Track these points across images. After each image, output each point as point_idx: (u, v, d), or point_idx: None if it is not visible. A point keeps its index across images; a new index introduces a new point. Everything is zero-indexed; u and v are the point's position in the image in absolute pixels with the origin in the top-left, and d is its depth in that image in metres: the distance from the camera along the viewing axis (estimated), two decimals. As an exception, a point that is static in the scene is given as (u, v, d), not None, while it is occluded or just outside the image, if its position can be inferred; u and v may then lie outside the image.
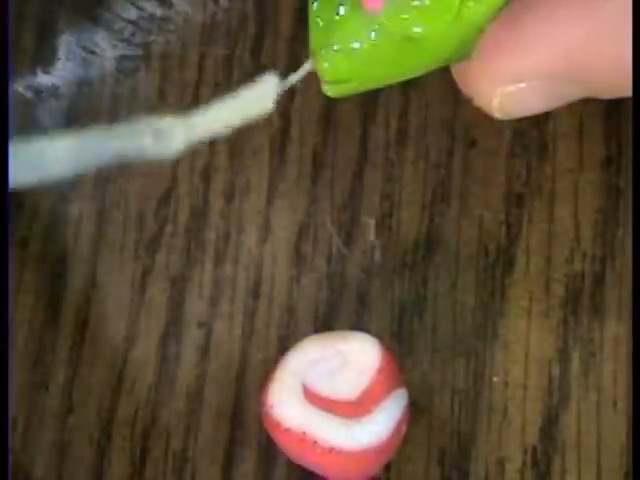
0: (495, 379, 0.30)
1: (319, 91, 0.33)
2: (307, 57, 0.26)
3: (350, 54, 0.25)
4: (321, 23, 0.25)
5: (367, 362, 0.28)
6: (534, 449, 0.29)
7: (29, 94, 0.34)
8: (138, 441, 0.30)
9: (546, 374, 0.30)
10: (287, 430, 0.27)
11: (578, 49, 0.23)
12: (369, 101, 0.32)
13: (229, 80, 0.33)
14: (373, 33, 0.25)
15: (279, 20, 0.34)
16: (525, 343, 0.30)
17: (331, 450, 0.27)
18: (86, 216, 0.32)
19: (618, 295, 0.30)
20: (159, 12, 0.34)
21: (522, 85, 0.24)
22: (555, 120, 0.31)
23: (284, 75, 0.25)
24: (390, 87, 0.32)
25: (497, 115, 0.25)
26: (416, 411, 0.29)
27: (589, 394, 0.29)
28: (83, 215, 0.32)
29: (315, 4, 0.26)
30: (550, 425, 0.29)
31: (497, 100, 0.25)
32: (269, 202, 0.32)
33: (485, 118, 0.27)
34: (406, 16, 0.24)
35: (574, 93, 0.25)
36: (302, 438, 0.27)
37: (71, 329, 0.31)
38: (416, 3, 0.24)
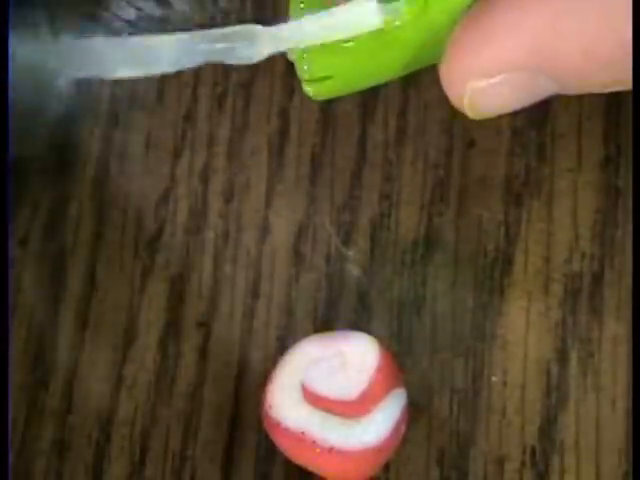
0: (494, 379, 0.30)
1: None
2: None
3: (325, 48, 0.25)
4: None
5: (366, 362, 0.28)
6: (533, 449, 0.29)
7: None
8: (137, 441, 0.30)
9: (545, 374, 0.30)
10: (286, 430, 0.27)
11: (546, 38, 0.23)
12: (368, 101, 0.32)
13: (227, 81, 0.33)
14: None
15: (278, 21, 0.34)
16: (524, 343, 0.30)
17: (330, 450, 0.27)
18: (86, 216, 0.32)
19: (617, 295, 0.30)
20: (158, 12, 0.34)
21: (492, 80, 0.24)
22: (554, 120, 0.31)
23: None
24: (388, 87, 0.32)
25: (469, 114, 0.25)
26: (415, 411, 0.29)
27: (588, 394, 0.29)
28: (83, 215, 0.32)
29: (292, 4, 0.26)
30: (549, 425, 0.29)
31: (467, 97, 0.24)
32: (268, 202, 0.32)
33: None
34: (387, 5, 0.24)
35: (545, 87, 0.24)
36: (301, 438, 0.27)
37: (71, 329, 0.31)
38: None
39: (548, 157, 0.31)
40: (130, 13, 0.34)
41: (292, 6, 0.27)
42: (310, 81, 0.27)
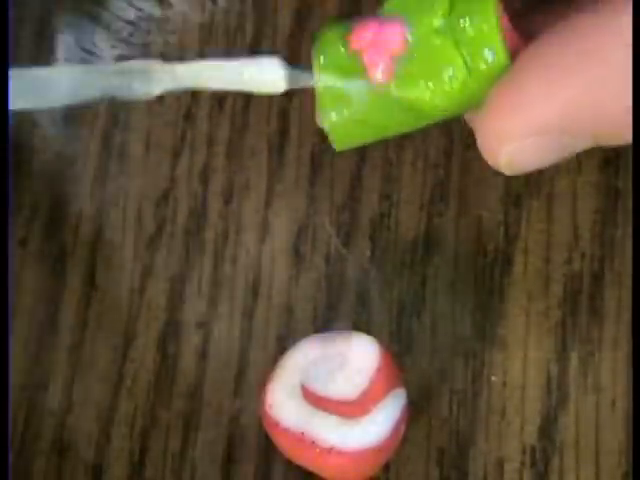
0: (494, 379, 0.30)
1: (317, 92, 0.33)
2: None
3: (353, 119, 0.27)
4: (327, 91, 0.27)
5: (366, 362, 0.28)
6: (533, 449, 0.29)
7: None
8: (137, 441, 0.30)
9: (545, 374, 0.30)
10: (285, 430, 0.27)
11: (576, 103, 0.24)
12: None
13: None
14: (376, 98, 0.26)
15: (277, 20, 0.34)
16: (524, 343, 0.30)
17: (330, 450, 0.27)
18: (85, 216, 0.32)
19: (617, 295, 0.30)
20: (158, 12, 0.34)
21: (527, 142, 0.25)
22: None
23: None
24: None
25: (506, 172, 0.26)
26: (415, 411, 0.29)
27: (588, 394, 0.29)
28: (82, 215, 0.32)
29: (321, 74, 0.27)
30: (549, 425, 0.29)
31: (504, 158, 0.26)
32: (268, 202, 0.32)
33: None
34: (414, 87, 0.26)
35: (580, 144, 0.25)
36: (300, 438, 0.27)
37: (71, 329, 0.31)
38: (423, 76, 0.26)
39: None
40: (130, 13, 0.34)
41: (317, 62, 0.27)
42: (336, 141, 0.28)
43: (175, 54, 0.34)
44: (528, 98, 0.25)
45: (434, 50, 0.26)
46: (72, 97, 0.26)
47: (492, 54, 0.26)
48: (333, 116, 0.27)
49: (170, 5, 0.34)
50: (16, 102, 0.25)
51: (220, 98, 0.33)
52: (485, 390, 0.30)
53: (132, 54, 0.34)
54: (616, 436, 0.29)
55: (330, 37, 0.27)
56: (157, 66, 0.26)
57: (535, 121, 0.25)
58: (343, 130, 0.27)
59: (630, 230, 0.30)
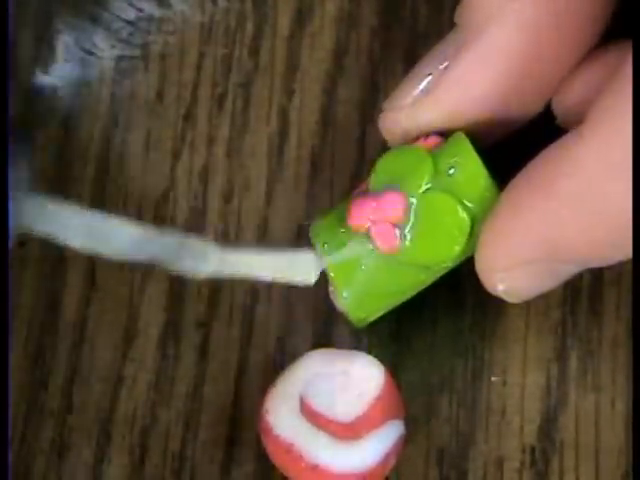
0: (493, 379, 0.30)
1: (318, 92, 0.33)
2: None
3: (367, 293, 0.28)
4: (337, 270, 0.28)
5: (368, 387, 0.28)
6: (532, 449, 0.29)
7: (28, 94, 0.34)
8: (137, 441, 0.30)
9: (544, 373, 0.30)
10: (277, 437, 0.27)
11: (549, 233, 0.25)
12: (368, 102, 0.32)
13: (227, 81, 0.33)
14: (386, 269, 0.28)
15: (277, 20, 0.34)
16: (523, 342, 0.30)
17: (315, 467, 0.27)
18: (85, 216, 0.32)
19: (617, 294, 0.30)
20: (158, 13, 0.34)
21: (516, 271, 0.27)
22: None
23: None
24: (388, 87, 0.32)
25: (507, 299, 0.28)
26: (415, 411, 0.29)
27: (587, 394, 0.29)
28: (82, 215, 0.32)
29: (328, 255, 0.28)
30: (548, 425, 0.29)
31: (500, 286, 0.27)
32: (267, 202, 0.32)
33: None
34: (424, 252, 0.27)
35: (570, 269, 0.27)
36: (289, 449, 0.27)
37: (71, 329, 0.31)
38: (431, 239, 0.27)
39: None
40: (130, 13, 0.34)
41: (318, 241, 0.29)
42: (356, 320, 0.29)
43: (175, 53, 0.34)
44: (506, 232, 0.26)
45: (434, 210, 0.27)
46: (122, 253, 0.27)
47: (486, 189, 0.27)
48: (347, 295, 0.28)
49: (170, 5, 0.34)
50: (72, 240, 0.27)
51: (220, 98, 0.33)
52: (485, 389, 0.30)
53: (132, 54, 0.34)
54: (616, 436, 0.29)
55: (327, 225, 0.29)
56: (213, 248, 0.28)
57: (515, 252, 0.26)
58: (359, 306, 0.28)
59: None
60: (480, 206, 0.27)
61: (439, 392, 0.30)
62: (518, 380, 0.30)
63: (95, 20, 0.34)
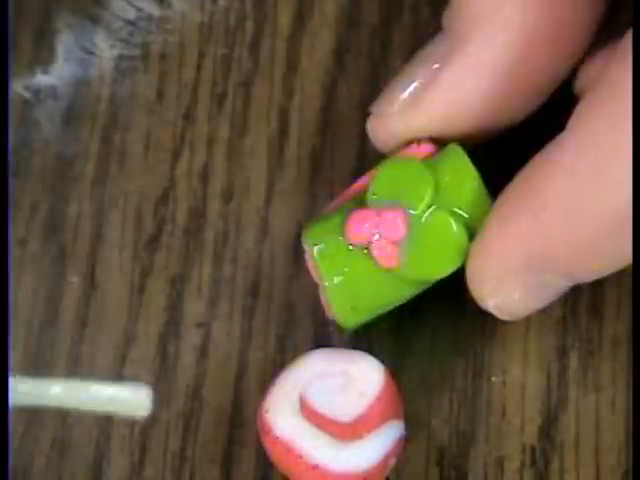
0: (494, 379, 0.30)
1: (318, 91, 0.33)
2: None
3: (362, 305, 0.28)
4: (333, 282, 0.28)
5: (369, 387, 0.28)
6: (533, 449, 0.29)
7: (27, 94, 0.34)
8: (137, 441, 0.30)
9: (545, 373, 0.30)
10: (276, 437, 0.27)
11: (533, 242, 0.26)
12: (368, 102, 0.32)
13: (227, 81, 0.33)
14: (383, 282, 0.28)
15: (277, 20, 0.34)
16: (524, 342, 0.30)
17: (314, 467, 0.27)
18: (85, 216, 0.32)
19: (617, 294, 0.30)
20: (157, 12, 0.34)
21: (505, 284, 0.27)
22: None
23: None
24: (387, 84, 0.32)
25: (499, 316, 0.28)
26: (415, 411, 0.29)
27: (588, 393, 0.29)
28: (82, 215, 0.32)
29: (323, 268, 0.28)
30: (549, 425, 0.29)
31: (491, 301, 0.27)
32: (268, 202, 0.32)
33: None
34: (423, 268, 0.27)
35: (555, 283, 0.27)
36: (289, 449, 0.27)
37: (70, 329, 0.31)
38: (430, 257, 0.27)
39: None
40: (130, 13, 0.34)
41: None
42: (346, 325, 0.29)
43: (175, 53, 0.34)
44: (494, 242, 0.26)
45: (433, 228, 0.27)
46: None
47: (485, 205, 0.27)
48: (346, 307, 0.28)
49: (170, 5, 0.34)
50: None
51: (220, 98, 0.33)
52: (485, 390, 0.30)
53: (132, 54, 0.34)
54: (616, 436, 0.29)
55: (324, 229, 0.28)
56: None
57: (503, 262, 0.26)
58: (353, 318, 0.29)
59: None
60: (479, 222, 0.27)
61: (439, 392, 0.30)
62: (518, 380, 0.30)
63: (95, 20, 0.34)
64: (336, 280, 0.28)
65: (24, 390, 0.29)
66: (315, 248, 0.28)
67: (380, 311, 0.29)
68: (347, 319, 0.29)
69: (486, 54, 0.27)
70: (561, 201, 0.25)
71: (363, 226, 0.28)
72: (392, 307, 0.29)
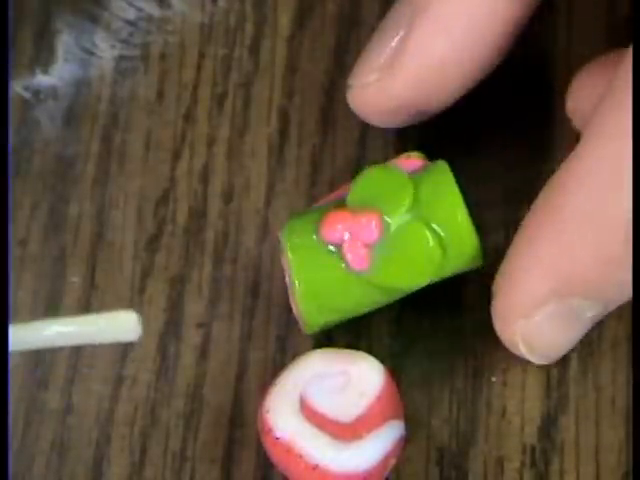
0: (494, 379, 0.30)
1: (318, 92, 0.33)
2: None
3: (329, 307, 0.28)
4: (302, 279, 0.28)
5: (368, 387, 0.28)
6: (533, 449, 0.29)
7: (28, 95, 0.34)
8: (137, 441, 0.30)
9: (545, 374, 0.30)
10: (277, 438, 0.27)
11: (562, 266, 0.25)
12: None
13: (227, 81, 0.33)
14: (352, 285, 0.28)
15: (278, 20, 0.34)
16: (524, 342, 0.30)
17: (315, 468, 0.27)
18: (86, 216, 0.32)
19: (617, 294, 0.30)
20: (157, 12, 0.34)
21: (535, 318, 0.26)
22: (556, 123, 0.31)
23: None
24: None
25: (527, 355, 0.28)
26: (415, 411, 0.29)
27: (588, 394, 0.29)
28: (83, 215, 0.32)
29: (295, 268, 0.28)
30: (549, 425, 0.29)
31: (519, 337, 0.27)
32: (268, 202, 0.32)
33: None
34: (392, 275, 0.27)
35: (591, 312, 0.27)
36: (289, 449, 0.27)
37: (71, 329, 0.31)
38: (401, 266, 0.27)
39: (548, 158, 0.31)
40: (130, 13, 0.34)
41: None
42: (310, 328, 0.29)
43: (175, 53, 0.34)
44: (520, 272, 0.26)
45: (407, 237, 0.27)
46: None
47: (462, 222, 0.27)
48: (312, 306, 0.28)
49: (170, 5, 0.34)
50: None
51: (220, 98, 0.33)
52: (485, 390, 0.30)
53: (132, 54, 0.34)
54: (616, 435, 0.29)
55: (300, 225, 0.28)
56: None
57: (531, 291, 0.26)
58: (318, 318, 0.29)
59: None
60: (453, 239, 0.27)
61: (439, 392, 0.30)
62: (518, 380, 0.30)
63: (95, 20, 0.34)
64: (305, 277, 0.28)
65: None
66: (288, 244, 0.28)
67: (348, 315, 0.29)
68: (312, 319, 0.28)
69: (450, 14, 0.28)
70: (582, 212, 0.24)
71: (337, 226, 0.28)
72: (362, 312, 0.29)
